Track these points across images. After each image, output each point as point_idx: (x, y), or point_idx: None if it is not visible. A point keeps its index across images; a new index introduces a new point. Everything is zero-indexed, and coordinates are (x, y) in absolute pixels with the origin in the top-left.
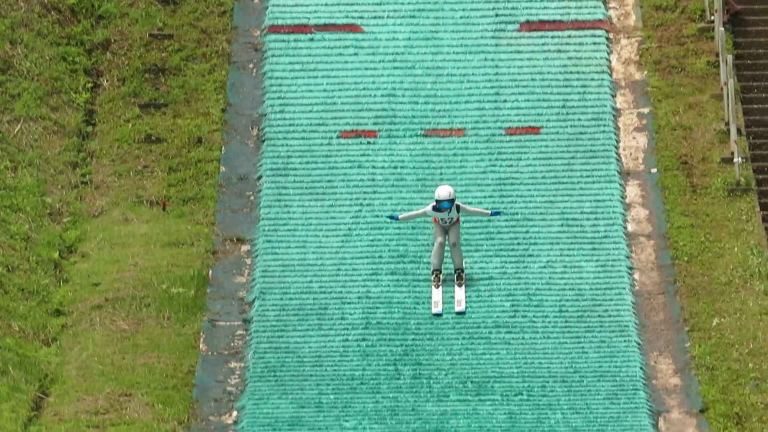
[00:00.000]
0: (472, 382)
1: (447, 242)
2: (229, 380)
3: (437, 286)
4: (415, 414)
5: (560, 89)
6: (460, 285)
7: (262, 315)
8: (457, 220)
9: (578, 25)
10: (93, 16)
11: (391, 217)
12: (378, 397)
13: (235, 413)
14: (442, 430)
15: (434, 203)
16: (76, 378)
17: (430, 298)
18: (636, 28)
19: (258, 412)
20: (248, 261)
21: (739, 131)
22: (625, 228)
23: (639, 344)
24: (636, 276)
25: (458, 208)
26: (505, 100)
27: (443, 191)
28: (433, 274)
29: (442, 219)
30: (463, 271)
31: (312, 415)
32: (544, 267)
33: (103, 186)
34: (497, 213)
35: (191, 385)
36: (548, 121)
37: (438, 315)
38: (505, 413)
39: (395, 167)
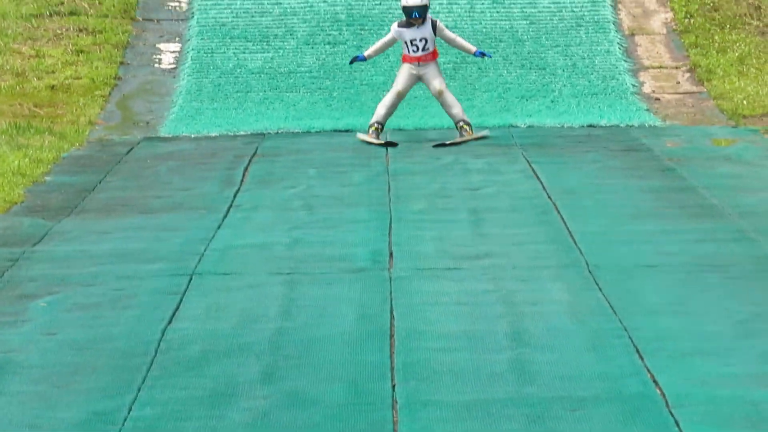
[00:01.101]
0: None
1: (410, 94)
2: None
3: (374, 138)
4: None
5: None
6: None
7: None
8: (434, 54)
9: None
10: None
11: (357, 59)
12: None
13: None
14: None
15: (400, 20)
16: None
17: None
18: None
19: None
20: None
21: None
22: None
23: None
24: None
25: (435, 26)
26: None
27: None
28: (370, 127)
29: (412, 45)
30: (467, 122)
31: None
32: None
33: None
34: (483, 54)
35: None
36: None
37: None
38: None
39: None
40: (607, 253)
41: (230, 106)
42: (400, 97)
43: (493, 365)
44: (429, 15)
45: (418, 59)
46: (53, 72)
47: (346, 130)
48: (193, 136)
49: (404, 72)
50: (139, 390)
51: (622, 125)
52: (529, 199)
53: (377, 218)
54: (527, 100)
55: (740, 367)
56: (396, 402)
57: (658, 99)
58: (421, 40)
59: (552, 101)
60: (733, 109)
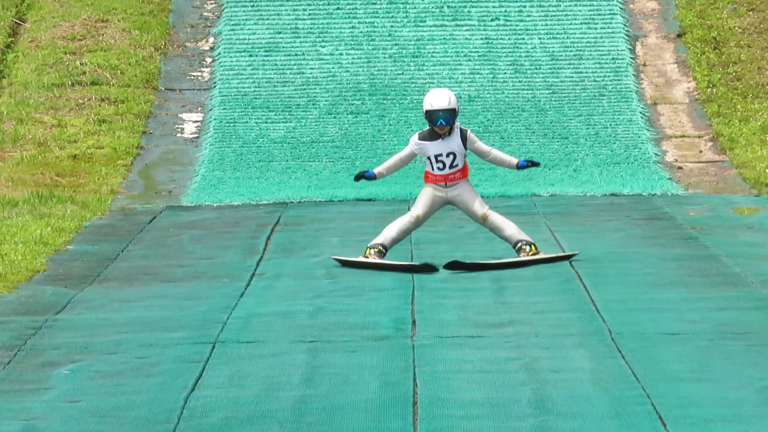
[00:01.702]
0: (448, 7)
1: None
2: (205, 6)
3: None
4: (392, 39)
5: None
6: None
7: None
8: (464, 171)
9: None
10: None
11: (364, 177)
12: (354, 22)
13: (211, 39)
14: (418, 55)
15: (422, 131)
16: (52, 3)
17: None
18: None
19: (234, 38)
20: None
21: None
22: None
23: None
24: None
25: (464, 137)
26: None
27: (440, 96)
28: (370, 248)
29: (437, 161)
30: (528, 242)
31: (288, 41)
32: None
33: None
34: (529, 163)
35: (168, 11)
36: None
37: None
38: (481, 38)
39: None
40: (630, 321)
41: (252, 176)
42: (418, 223)
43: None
44: (457, 123)
45: (445, 179)
46: (75, 141)
47: (369, 199)
48: (215, 205)
49: (427, 195)
50: None
51: (644, 194)
52: (551, 267)
53: (400, 287)
54: (550, 170)
55: None
56: None
57: (680, 168)
58: (448, 155)
59: (574, 170)
60: (755, 177)
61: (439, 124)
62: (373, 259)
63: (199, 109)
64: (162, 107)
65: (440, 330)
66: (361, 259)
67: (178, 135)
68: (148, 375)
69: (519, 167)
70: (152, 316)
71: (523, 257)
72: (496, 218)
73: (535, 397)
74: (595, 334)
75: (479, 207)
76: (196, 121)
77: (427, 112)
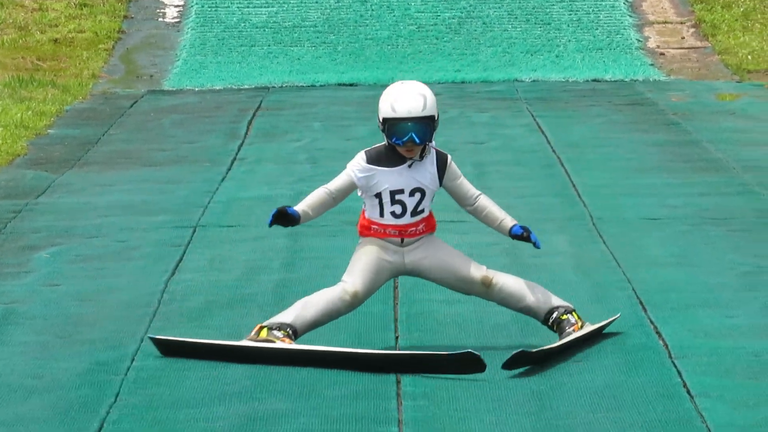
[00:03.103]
0: None
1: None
2: None
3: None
4: None
5: None
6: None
7: None
8: (430, 221)
9: None
10: None
11: (285, 215)
12: None
13: None
14: None
15: (372, 148)
16: None
17: None
18: None
19: None
20: None
21: None
22: None
23: None
24: None
25: (443, 166)
26: None
27: (409, 95)
28: (276, 329)
29: (393, 202)
30: (567, 309)
31: None
32: None
33: None
34: (524, 236)
35: None
36: None
37: None
38: None
39: None
40: (611, 206)
41: (234, 60)
42: (354, 304)
43: (497, 317)
44: (432, 142)
45: (401, 231)
46: (56, 26)
47: (351, 84)
48: (197, 89)
49: (369, 258)
50: (141, 341)
51: (626, 80)
52: (533, 152)
53: None
54: (532, 55)
55: (743, 318)
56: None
57: (662, 54)
58: (413, 194)
59: (557, 56)
60: (737, 64)
61: (407, 140)
62: (284, 343)
63: None
64: None
65: None
66: (249, 342)
67: (160, 19)
68: (128, 259)
69: (512, 235)
70: (133, 200)
71: (573, 333)
72: (507, 281)
73: None
74: (576, 219)
75: (474, 269)
76: (178, 6)
77: (385, 120)
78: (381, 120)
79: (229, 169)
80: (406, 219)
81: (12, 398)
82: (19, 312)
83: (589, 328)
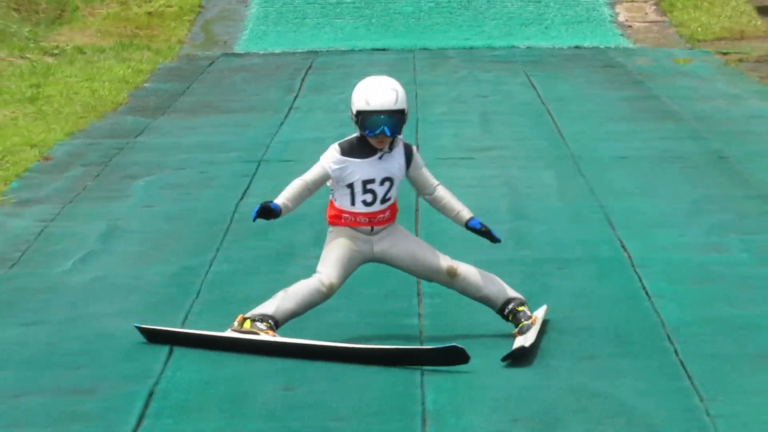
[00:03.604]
0: None
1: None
2: None
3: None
4: None
5: None
6: (524, 330)
7: None
8: (394, 209)
9: None
10: None
11: (268, 210)
12: None
13: None
14: None
15: (345, 140)
16: None
17: None
18: None
19: None
20: None
21: None
22: None
23: None
24: None
25: (410, 157)
26: None
27: (381, 90)
28: (259, 320)
29: (365, 191)
30: (520, 301)
31: None
32: None
33: None
34: (481, 231)
35: None
36: None
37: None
38: None
39: None
40: (589, 148)
41: (290, 30)
42: (329, 294)
43: (498, 233)
44: (400, 135)
45: (371, 219)
46: (150, 1)
47: (382, 49)
48: (261, 53)
49: (342, 249)
50: (217, 250)
51: (601, 47)
52: (527, 104)
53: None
54: (526, 27)
55: (691, 237)
56: None
57: (630, 26)
58: (383, 182)
59: (546, 27)
60: (689, 34)
61: (379, 132)
62: (267, 335)
63: None
64: None
65: (439, 153)
66: (233, 333)
67: None
68: (207, 186)
69: (468, 227)
70: (211, 140)
71: (533, 326)
72: (470, 272)
73: (511, 207)
74: (561, 158)
75: (440, 259)
76: None
77: (359, 113)
78: (354, 112)
79: (286, 116)
80: (376, 206)
81: (117, 295)
82: (122, 228)
83: (539, 319)
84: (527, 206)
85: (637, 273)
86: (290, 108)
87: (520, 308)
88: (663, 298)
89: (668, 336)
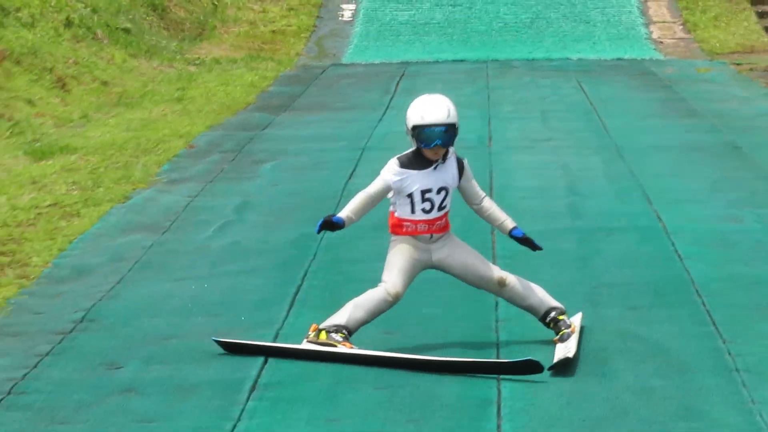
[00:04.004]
0: None
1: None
2: None
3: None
4: None
5: None
6: (565, 338)
7: None
8: (447, 220)
9: None
10: None
11: (331, 223)
12: None
13: None
14: None
15: (404, 154)
16: None
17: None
18: None
19: None
20: None
21: None
22: None
23: None
24: None
25: (462, 168)
26: None
27: (435, 106)
28: (333, 331)
29: (424, 200)
30: (560, 311)
31: None
32: None
33: None
34: (524, 240)
35: None
36: None
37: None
38: None
39: None
40: (628, 139)
41: (387, 45)
42: (395, 302)
43: (556, 207)
44: (452, 148)
45: (430, 227)
46: (273, 22)
47: (461, 60)
48: (363, 63)
49: (405, 258)
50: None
51: (638, 59)
52: (578, 104)
53: (480, 116)
54: (577, 42)
55: (713, 210)
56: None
57: (661, 42)
58: (439, 192)
59: (593, 43)
60: (709, 49)
61: (435, 145)
62: (344, 347)
63: (353, 2)
64: (330, 1)
65: (507, 143)
66: (310, 345)
67: (340, 18)
68: (321, 169)
69: (512, 236)
70: (324, 132)
71: (573, 335)
72: (517, 282)
73: (567, 186)
74: (605, 147)
75: (491, 269)
76: (351, 10)
77: (415, 127)
78: (410, 127)
79: (384, 114)
80: (434, 214)
81: (249, 256)
82: (253, 202)
83: (577, 327)
84: (579, 185)
85: (670, 239)
86: (387, 107)
87: (561, 317)
88: (692, 259)
89: (696, 290)
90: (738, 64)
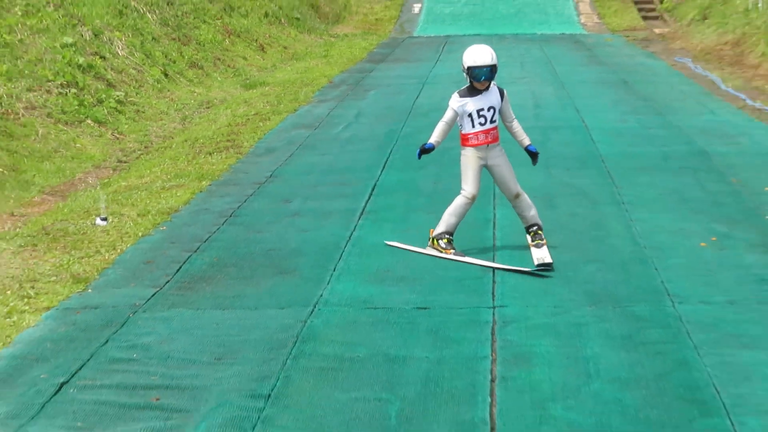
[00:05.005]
0: None
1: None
2: None
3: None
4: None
5: None
6: (539, 246)
7: None
8: (497, 132)
9: None
10: None
11: (426, 151)
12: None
13: None
14: None
15: (461, 89)
16: None
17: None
18: None
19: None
20: None
21: None
22: None
23: None
24: None
25: (502, 93)
26: None
27: (482, 52)
28: (439, 239)
29: (479, 116)
30: (540, 227)
31: None
32: None
33: None
34: (534, 151)
35: None
36: None
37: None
38: None
39: None
40: (567, 77)
41: (438, 26)
42: (474, 200)
43: (527, 114)
44: (494, 82)
45: (487, 135)
46: (376, 13)
47: (477, 35)
48: (425, 36)
49: (473, 165)
50: (404, 122)
51: (573, 34)
52: (540, 59)
53: None
54: (540, 24)
55: (612, 116)
56: None
57: (585, 24)
58: (489, 109)
59: (549, 25)
60: (612, 28)
61: (483, 79)
62: (455, 256)
63: (420, 2)
64: (407, 3)
65: (501, 79)
66: (432, 251)
67: (412, 12)
68: (402, 93)
69: (527, 150)
70: (403, 74)
71: (541, 243)
72: (526, 199)
73: (534, 103)
74: (555, 81)
75: (515, 185)
76: (419, 6)
77: (469, 68)
78: (466, 68)
79: (435, 63)
80: (488, 125)
81: (362, 141)
82: (363, 112)
83: (543, 245)
84: (540, 102)
85: (589, 132)
86: (437, 60)
87: (540, 231)
88: (600, 143)
89: (602, 160)
90: (627, 36)
